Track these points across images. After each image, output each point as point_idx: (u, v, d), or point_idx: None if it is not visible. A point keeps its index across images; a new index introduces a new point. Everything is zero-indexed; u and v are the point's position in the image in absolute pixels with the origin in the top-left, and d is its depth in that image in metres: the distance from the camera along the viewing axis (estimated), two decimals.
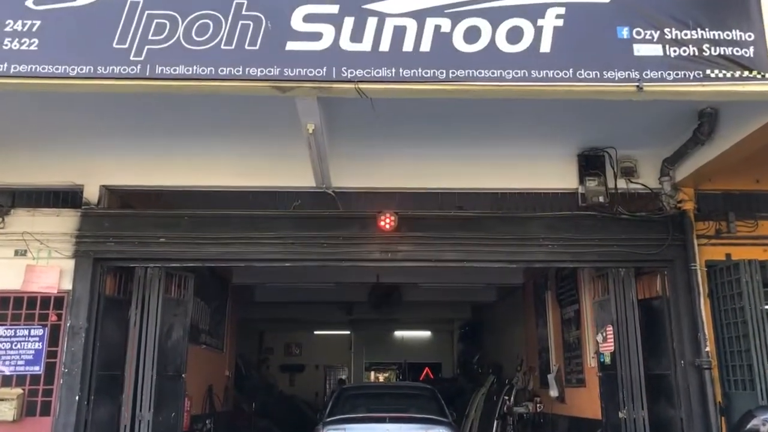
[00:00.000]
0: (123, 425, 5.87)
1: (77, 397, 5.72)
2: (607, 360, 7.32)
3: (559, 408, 9.37)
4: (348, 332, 20.62)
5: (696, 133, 5.87)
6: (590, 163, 6.72)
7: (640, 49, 4.69)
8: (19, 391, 5.69)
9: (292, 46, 4.66)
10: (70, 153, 6.46)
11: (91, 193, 6.44)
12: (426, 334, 21.10)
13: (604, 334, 7.24)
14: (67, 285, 6.07)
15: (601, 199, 6.59)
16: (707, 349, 6.29)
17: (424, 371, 20.29)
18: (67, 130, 6.10)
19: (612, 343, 7.05)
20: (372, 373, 23.19)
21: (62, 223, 6.28)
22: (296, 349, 21.99)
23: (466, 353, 17.09)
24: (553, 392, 9.29)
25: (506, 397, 11.26)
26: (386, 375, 22.79)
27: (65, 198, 6.45)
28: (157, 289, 6.26)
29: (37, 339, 5.85)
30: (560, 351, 9.41)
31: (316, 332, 20.72)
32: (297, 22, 4.70)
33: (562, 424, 9.17)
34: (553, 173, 6.88)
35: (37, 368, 5.78)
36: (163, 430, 5.96)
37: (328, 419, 6.83)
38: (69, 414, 5.68)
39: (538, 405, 10.25)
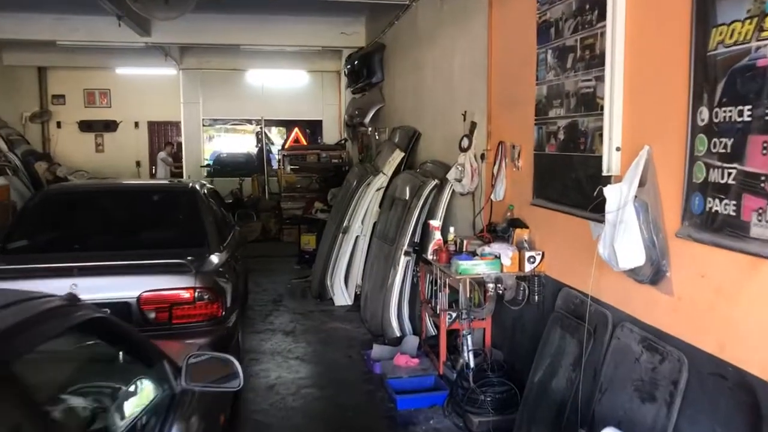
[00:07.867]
0: None
1: None
2: None
3: (636, 304, 2.77)
4: (174, 72, 12.96)
5: None
6: None
7: None
8: None
9: None
10: None
11: None
12: (300, 78, 13.70)
13: None
14: None
15: None
16: None
17: (293, 133, 13.22)
18: None
19: None
20: (211, 133, 16.13)
21: None
22: (103, 98, 14.41)
23: (358, 106, 10.06)
24: (625, 260, 2.57)
25: (431, 225, 4.56)
26: (235, 135, 15.90)
27: None
28: None
29: None
30: (677, 122, 2.51)
31: (118, 70, 12.94)
32: None
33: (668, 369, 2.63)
34: None
35: None
36: None
37: None
38: None
39: (528, 257, 3.64)
